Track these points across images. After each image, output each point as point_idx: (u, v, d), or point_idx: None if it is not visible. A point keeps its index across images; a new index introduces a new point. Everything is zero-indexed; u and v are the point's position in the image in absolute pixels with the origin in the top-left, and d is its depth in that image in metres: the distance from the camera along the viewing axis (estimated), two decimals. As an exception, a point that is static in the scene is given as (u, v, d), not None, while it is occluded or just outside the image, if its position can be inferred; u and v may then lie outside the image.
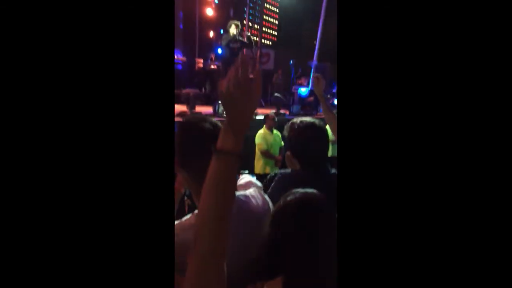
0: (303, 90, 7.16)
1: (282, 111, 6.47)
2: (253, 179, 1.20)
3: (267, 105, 7.85)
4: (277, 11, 11.20)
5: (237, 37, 5.49)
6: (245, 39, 5.73)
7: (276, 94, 7.70)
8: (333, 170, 1.33)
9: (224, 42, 5.58)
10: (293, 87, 7.65)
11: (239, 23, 5.67)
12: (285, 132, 1.40)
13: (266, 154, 4.26)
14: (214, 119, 1.01)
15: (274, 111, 5.65)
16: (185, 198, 1.26)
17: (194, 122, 0.97)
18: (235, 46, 5.57)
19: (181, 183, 1.12)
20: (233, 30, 5.53)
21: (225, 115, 0.61)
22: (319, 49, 8.35)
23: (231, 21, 5.67)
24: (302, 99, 7.21)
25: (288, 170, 1.38)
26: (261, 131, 4.35)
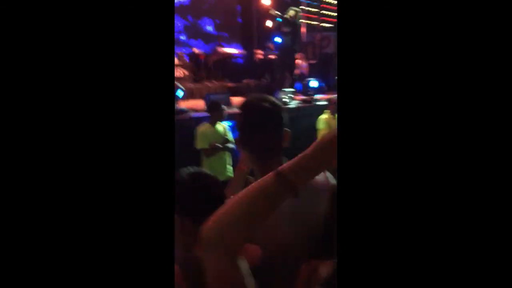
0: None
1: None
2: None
3: (330, 89, 7.61)
4: (336, -10, 10.72)
5: (285, 21, 5.48)
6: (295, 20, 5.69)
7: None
8: None
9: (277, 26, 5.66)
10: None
11: (298, 9, 5.64)
12: None
13: (330, 138, 4.16)
14: (275, 99, 1.02)
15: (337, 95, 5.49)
16: (249, 177, 1.31)
17: (254, 102, 0.99)
18: (286, 30, 5.58)
19: (244, 162, 1.15)
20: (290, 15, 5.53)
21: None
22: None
23: (289, 8, 5.66)
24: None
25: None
26: (324, 116, 4.27)
